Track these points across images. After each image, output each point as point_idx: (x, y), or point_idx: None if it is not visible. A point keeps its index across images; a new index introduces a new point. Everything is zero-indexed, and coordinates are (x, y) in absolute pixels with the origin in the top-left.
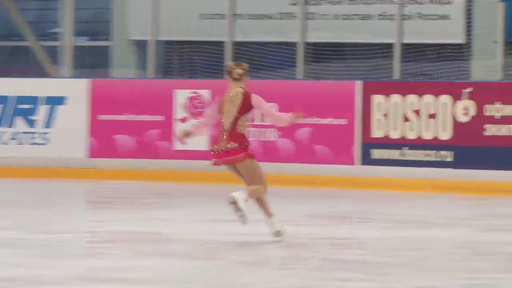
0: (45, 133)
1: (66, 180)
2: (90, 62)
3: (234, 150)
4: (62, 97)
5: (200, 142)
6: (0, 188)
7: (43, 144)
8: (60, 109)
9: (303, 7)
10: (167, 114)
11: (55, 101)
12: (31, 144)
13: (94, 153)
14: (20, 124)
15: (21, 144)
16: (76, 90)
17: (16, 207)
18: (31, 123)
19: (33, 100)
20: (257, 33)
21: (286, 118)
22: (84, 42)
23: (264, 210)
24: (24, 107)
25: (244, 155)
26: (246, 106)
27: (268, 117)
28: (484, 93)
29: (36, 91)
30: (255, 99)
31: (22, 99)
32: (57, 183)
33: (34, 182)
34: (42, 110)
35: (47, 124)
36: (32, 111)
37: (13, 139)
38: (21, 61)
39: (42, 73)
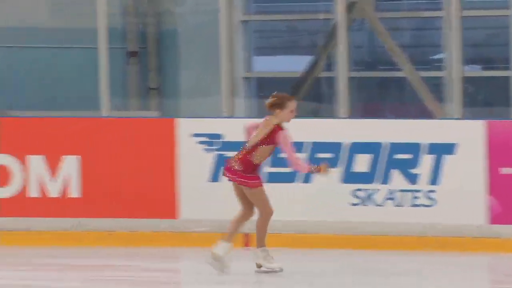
0: (430, 191)
1: (458, 252)
2: (485, 98)
3: (238, 173)
4: (450, 144)
5: None
6: (378, 261)
7: (428, 206)
8: (448, 159)
9: None
10: None
11: (441, 149)
12: (413, 205)
13: (496, 218)
14: (397, 180)
15: (399, 206)
16: (468, 135)
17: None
18: (411, 178)
19: (412, 148)
20: None
21: (303, 166)
22: (476, 72)
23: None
24: (402, 157)
25: (252, 184)
26: (270, 139)
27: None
28: None
29: (417, 137)
30: (282, 136)
31: (398, 147)
32: (443, 256)
33: (416, 255)
34: (425, 161)
35: (433, 180)
36: (412, 163)
37: (389, 199)
38: (395, 97)
39: (423, 113)
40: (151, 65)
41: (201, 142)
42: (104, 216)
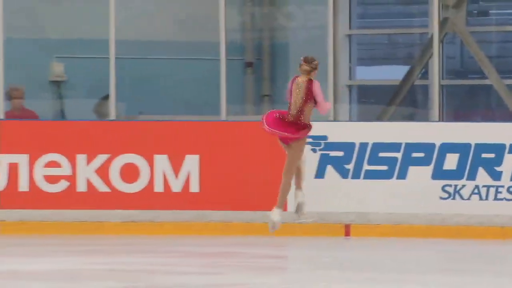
0: (511, 187)
1: None
2: None
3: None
4: None
5: None
6: (458, 250)
7: (509, 200)
8: None
9: None
10: None
11: None
12: (495, 199)
13: None
14: (482, 177)
15: (483, 199)
16: None
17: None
18: (495, 175)
19: (496, 148)
20: None
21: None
22: None
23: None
24: (486, 157)
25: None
26: (309, 94)
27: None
28: None
29: (500, 138)
30: (315, 85)
31: (483, 147)
32: None
33: (499, 244)
34: (508, 160)
35: None
36: (496, 161)
37: (475, 193)
38: (483, 103)
39: (508, 118)
40: (264, 74)
41: (308, 143)
42: (221, 209)
